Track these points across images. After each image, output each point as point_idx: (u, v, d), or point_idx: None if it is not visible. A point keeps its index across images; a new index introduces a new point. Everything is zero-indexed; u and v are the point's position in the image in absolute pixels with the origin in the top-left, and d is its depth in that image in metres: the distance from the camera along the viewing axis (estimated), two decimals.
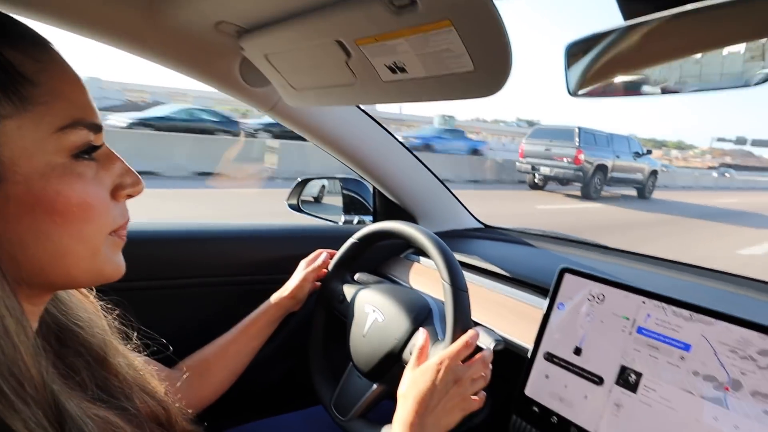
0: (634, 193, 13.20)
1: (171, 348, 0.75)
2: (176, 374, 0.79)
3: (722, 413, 0.59)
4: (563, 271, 0.80)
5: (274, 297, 0.97)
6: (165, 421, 0.53)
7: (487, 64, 0.52)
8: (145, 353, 0.65)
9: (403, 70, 0.60)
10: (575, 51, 0.49)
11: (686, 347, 0.64)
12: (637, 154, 12.82)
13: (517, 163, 12.99)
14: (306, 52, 0.69)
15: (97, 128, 0.42)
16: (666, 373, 0.65)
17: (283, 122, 1.08)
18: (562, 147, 11.53)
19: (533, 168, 12.20)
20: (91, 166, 0.42)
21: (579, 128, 11.56)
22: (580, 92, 0.50)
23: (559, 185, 12.84)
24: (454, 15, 0.48)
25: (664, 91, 0.41)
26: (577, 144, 11.30)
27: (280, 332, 0.96)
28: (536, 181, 12.61)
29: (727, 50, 0.36)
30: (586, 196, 11.64)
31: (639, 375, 0.67)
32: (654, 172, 13.50)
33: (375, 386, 0.88)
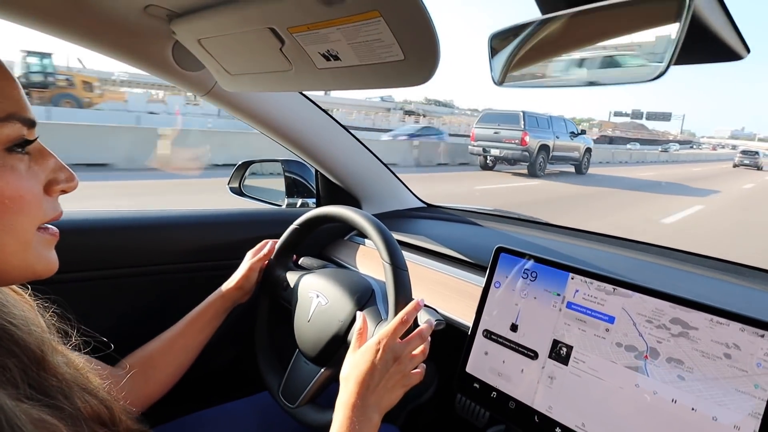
0: (572, 169, 14.76)
1: (112, 345, 0.72)
2: (119, 372, 0.77)
3: (643, 380, 0.64)
4: (499, 249, 0.83)
5: (221, 288, 0.95)
6: (108, 421, 0.52)
7: (417, 53, 0.53)
8: (85, 351, 0.63)
9: (336, 58, 0.60)
10: (497, 42, 0.51)
11: (610, 319, 0.69)
12: (573, 134, 14.29)
13: (469, 147, 14.14)
14: (239, 37, 0.67)
15: (30, 123, 0.43)
16: (593, 345, 0.69)
17: (220, 107, 1.05)
18: (509, 130, 12.72)
19: (484, 150, 13.35)
20: (23, 160, 0.42)
21: (523, 112, 12.86)
22: (505, 82, 0.52)
23: (508, 165, 13.92)
24: (382, 6, 0.49)
25: (578, 84, 0.44)
26: (522, 126, 12.53)
27: (224, 319, 0.95)
28: (488, 162, 13.72)
29: (627, 47, 0.39)
30: (532, 174, 12.85)
31: (570, 348, 0.72)
32: (588, 150, 15.02)
33: (322, 371, 0.89)
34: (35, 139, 0.44)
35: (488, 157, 13.48)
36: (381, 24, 0.51)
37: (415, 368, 0.73)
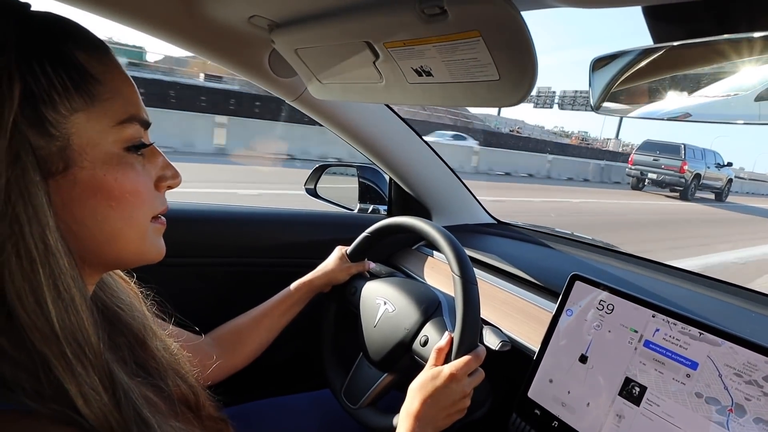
0: (712, 196, 16.74)
1: (198, 328, 0.79)
2: (206, 342, 0.84)
3: None
4: (574, 277, 0.80)
5: (307, 277, 0.99)
6: (193, 405, 0.56)
7: (513, 74, 0.52)
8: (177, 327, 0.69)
9: (429, 74, 0.61)
10: (600, 66, 0.49)
11: (693, 365, 0.65)
12: (719, 165, 16.27)
13: (627, 169, 16.52)
14: (335, 49, 0.70)
15: (146, 124, 0.47)
16: (670, 390, 0.65)
17: (306, 111, 1.09)
18: (669, 158, 14.89)
19: (642, 173, 15.68)
20: (139, 159, 0.47)
21: (684, 145, 15.06)
22: (603, 107, 0.50)
23: (658, 188, 16.15)
24: (483, 27, 0.49)
25: (680, 119, 0.42)
26: (682, 156, 14.77)
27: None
28: (639, 184, 16.20)
29: (743, 88, 0.36)
30: (683, 197, 15.00)
31: (643, 388, 0.68)
32: (730, 180, 17.22)
33: (385, 375, 0.90)
34: (152, 143, 0.49)
35: (646, 179, 15.86)
36: (480, 44, 0.51)
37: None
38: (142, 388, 0.46)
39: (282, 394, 1.08)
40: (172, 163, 0.52)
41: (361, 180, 1.51)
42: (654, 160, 15.23)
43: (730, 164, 17.14)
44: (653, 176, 15.36)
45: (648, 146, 15.73)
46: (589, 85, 0.51)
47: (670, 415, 0.64)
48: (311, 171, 1.54)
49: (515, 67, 0.52)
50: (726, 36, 0.36)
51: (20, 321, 0.36)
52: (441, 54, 0.56)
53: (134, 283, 0.59)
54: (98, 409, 0.37)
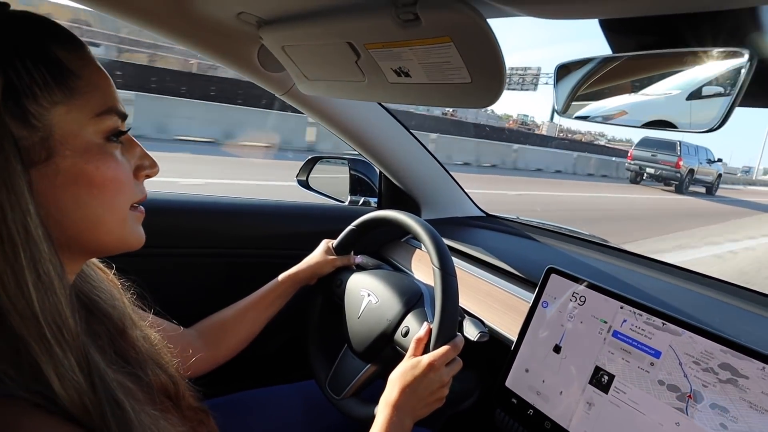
0: (703, 190, 17.73)
1: (182, 318, 0.81)
2: (190, 333, 0.86)
3: (684, 420, 0.63)
4: (549, 270, 0.83)
5: (293, 270, 1.01)
6: (173, 395, 0.58)
7: (484, 78, 0.55)
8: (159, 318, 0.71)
9: (407, 74, 0.63)
10: (563, 72, 0.52)
11: (657, 354, 0.68)
12: (710, 161, 17.31)
13: (626, 164, 17.65)
14: (320, 47, 0.72)
15: (123, 116, 0.50)
16: (636, 378, 0.69)
17: (295, 105, 1.12)
18: (666, 154, 15.94)
19: (640, 168, 16.65)
20: (118, 148, 0.49)
21: (680, 142, 16.14)
22: (567, 112, 0.53)
23: (654, 182, 17.13)
24: (454, 33, 0.51)
25: (635, 125, 0.44)
26: (678, 153, 15.79)
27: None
28: (637, 178, 17.24)
29: (686, 95, 0.39)
30: (679, 191, 16.09)
31: (611, 377, 0.71)
32: (719, 175, 18.24)
33: (368, 366, 0.93)
34: (128, 131, 0.51)
35: (642, 174, 16.85)
36: (451, 48, 0.54)
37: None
38: (120, 375, 0.47)
39: (269, 385, 1.11)
40: (149, 153, 0.54)
41: (352, 172, 1.53)
42: (652, 155, 16.23)
43: (719, 160, 18.39)
44: (651, 171, 16.41)
45: (646, 142, 16.65)
46: (554, 89, 0.53)
47: (636, 402, 0.68)
48: (303, 162, 1.57)
49: (485, 71, 0.54)
50: (671, 50, 0.39)
51: (1, 304, 0.38)
52: (417, 56, 0.59)
53: (114, 274, 0.61)
54: (73, 390, 0.39)
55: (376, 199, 1.53)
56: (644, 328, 0.70)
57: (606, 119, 0.48)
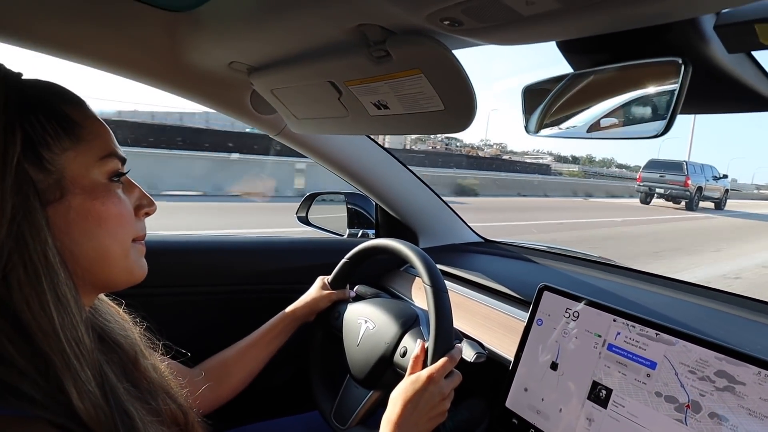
0: (712, 205, 18.54)
1: (189, 353, 0.82)
2: (196, 374, 0.87)
3: (684, 431, 0.63)
4: (542, 288, 0.84)
5: (290, 308, 1.03)
6: (183, 425, 0.61)
7: (455, 105, 0.59)
8: (166, 356, 0.73)
9: (386, 107, 0.67)
10: (530, 94, 0.55)
11: (652, 365, 0.68)
12: (716, 178, 18.13)
13: (636, 186, 18.36)
14: (305, 88, 0.77)
15: (123, 159, 0.56)
16: (633, 390, 0.69)
17: (289, 145, 1.16)
18: (673, 174, 16.73)
19: (650, 189, 17.45)
20: (120, 188, 0.56)
21: (686, 162, 17.19)
22: (536, 131, 0.56)
23: (664, 200, 17.77)
24: (423, 65, 0.55)
25: (599, 137, 0.47)
26: (685, 172, 16.59)
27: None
28: (648, 199, 17.88)
29: (635, 105, 0.42)
30: (689, 208, 16.76)
31: (609, 391, 0.71)
32: (727, 191, 19.16)
33: (371, 393, 0.93)
34: (127, 172, 0.58)
35: (653, 195, 17.58)
36: (422, 79, 0.57)
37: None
38: (132, 399, 0.51)
39: (275, 417, 1.11)
40: (147, 194, 0.61)
41: (349, 206, 1.56)
42: (660, 176, 17.08)
43: (725, 176, 19.22)
44: (660, 191, 17.24)
45: (653, 165, 17.70)
46: (523, 110, 0.56)
47: (635, 415, 0.67)
48: (302, 199, 1.60)
49: (456, 98, 0.58)
50: (619, 64, 0.42)
51: (26, 323, 0.43)
52: (393, 89, 0.62)
53: (123, 310, 0.65)
54: (89, 403, 0.43)
55: (373, 231, 1.55)
56: (638, 339, 0.71)
57: (567, 135, 0.50)
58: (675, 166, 17.03)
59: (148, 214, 0.61)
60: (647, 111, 0.40)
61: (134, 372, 0.57)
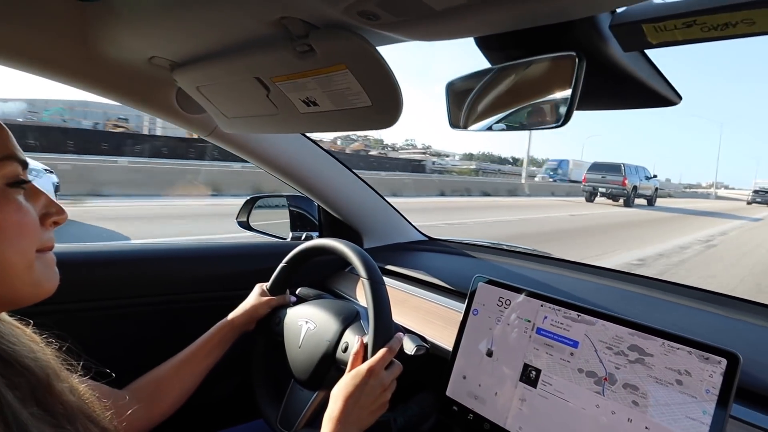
0: (644, 202, 21.11)
1: (113, 374, 0.76)
2: (121, 396, 0.80)
3: (602, 401, 0.67)
4: (477, 279, 0.87)
5: (228, 317, 0.99)
6: None
7: (382, 101, 0.60)
8: (88, 377, 0.67)
9: (315, 104, 0.67)
10: (454, 89, 0.57)
11: (575, 344, 0.72)
12: (647, 177, 20.95)
13: (582, 186, 21.26)
14: (231, 85, 0.75)
15: (24, 164, 0.51)
16: (559, 369, 0.73)
17: (223, 146, 1.13)
18: (613, 175, 19.12)
19: (594, 189, 19.97)
20: (20, 194, 0.50)
21: (623, 164, 19.42)
22: (462, 126, 0.58)
23: (605, 199, 19.94)
24: (348, 60, 0.56)
25: (514, 128, 0.50)
26: (623, 173, 19.09)
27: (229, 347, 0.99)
28: (590, 197, 20.40)
29: (540, 98, 0.45)
30: (627, 205, 19.11)
31: (538, 371, 0.75)
32: (656, 189, 22.26)
33: (316, 394, 0.92)
34: (29, 180, 0.52)
35: (596, 194, 20.03)
36: (348, 75, 0.58)
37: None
38: (43, 425, 0.46)
39: (219, 429, 1.08)
40: (56, 201, 0.55)
41: (292, 208, 1.55)
42: (602, 177, 19.58)
43: (655, 176, 22.45)
44: (603, 190, 19.71)
45: (596, 167, 20.44)
46: (447, 105, 0.58)
47: (561, 391, 0.71)
48: (242, 204, 1.57)
49: (383, 94, 0.59)
50: (525, 59, 0.45)
51: None
52: (321, 86, 0.63)
53: (33, 330, 0.59)
54: None
55: (317, 234, 1.54)
56: (563, 321, 0.75)
57: (488, 128, 0.53)
58: (614, 168, 19.40)
59: (57, 224, 0.55)
60: (551, 103, 0.43)
61: (47, 396, 0.51)
